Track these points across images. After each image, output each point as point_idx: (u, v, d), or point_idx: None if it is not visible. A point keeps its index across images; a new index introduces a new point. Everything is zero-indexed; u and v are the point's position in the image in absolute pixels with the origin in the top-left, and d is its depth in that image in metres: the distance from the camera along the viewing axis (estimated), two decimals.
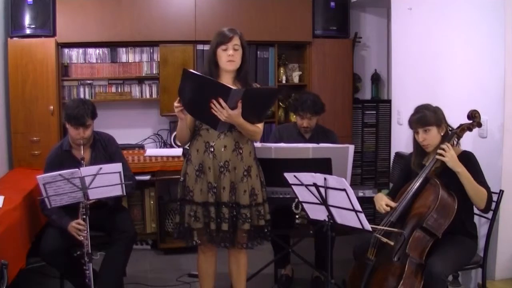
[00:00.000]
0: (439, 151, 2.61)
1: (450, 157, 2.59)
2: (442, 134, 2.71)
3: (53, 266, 3.08)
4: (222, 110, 2.49)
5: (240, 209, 2.71)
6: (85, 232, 2.73)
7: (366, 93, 5.13)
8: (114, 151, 3.20)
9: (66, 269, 3.03)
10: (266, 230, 2.81)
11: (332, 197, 2.35)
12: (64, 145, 3.12)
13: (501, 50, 2.80)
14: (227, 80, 2.74)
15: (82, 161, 2.91)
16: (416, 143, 2.80)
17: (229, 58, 2.65)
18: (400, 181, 2.94)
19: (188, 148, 2.83)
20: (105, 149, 3.17)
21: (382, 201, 2.77)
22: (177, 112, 2.62)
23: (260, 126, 2.74)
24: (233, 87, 2.46)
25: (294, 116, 3.60)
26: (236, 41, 2.67)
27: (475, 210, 2.81)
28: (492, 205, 2.65)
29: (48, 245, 2.89)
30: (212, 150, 2.69)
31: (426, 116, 2.70)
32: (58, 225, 2.92)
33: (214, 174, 2.69)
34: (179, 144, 2.89)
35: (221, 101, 2.47)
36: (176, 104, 2.59)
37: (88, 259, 2.69)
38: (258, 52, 4.55)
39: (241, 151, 2.72)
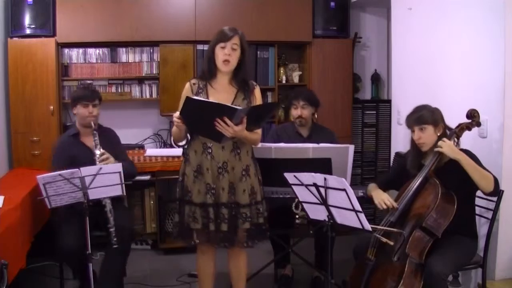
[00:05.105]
0: (438, 144, 2.62)
1: (447, 147, 2.59)
2: (439, 134, 2.71)
3: (70, 265, 3.07)
4: (228, 128, 2.50)
5: (240, 208, 2.71)
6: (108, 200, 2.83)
7: (366, 93, 5.13)
8: (116, 141, 3.36)
9: (81, 268, 3.01)
10: (264, 227, 2.81)
11: (332, 197, 2.35)
12: (71, 131, 3.25)
13: (501, 50, 2.80)
14: (223, 80, 2.75)
15: (95, 131, 3.03)
16: (413, 144, 2.81)
17: (225, 57, 2.65)
18: (393, 175, 2.96)
19: (186, 148, 2.83)
20: (107, 139, 3.25)
21: (384, 196, 2.78)
22: (177, 124, 2.60)
23: (259, 131, 2.78)
24: (239, 107, 2.50)
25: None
26: (235, 40, 2.67)
27: (475, 210, 2.82)
28: (499, 188, 2.62)
29: (69, 242, 2.86)
30: (210, 151, 2.69)
31: (423, 115, 2.71)
32: None
33: (213, 175, 2.69)
34: (179, 144, 2.88)
35: (226, 119, 2.49)
36: (176, 119, 2.57)
37: (87, 260, 2.69)
38: (258, 52, 4.55)
39: (239, 151, 2.73)
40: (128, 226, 3.13)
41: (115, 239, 2.83)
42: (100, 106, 3.24)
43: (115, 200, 3.00)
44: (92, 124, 3.08)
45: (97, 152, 2.97)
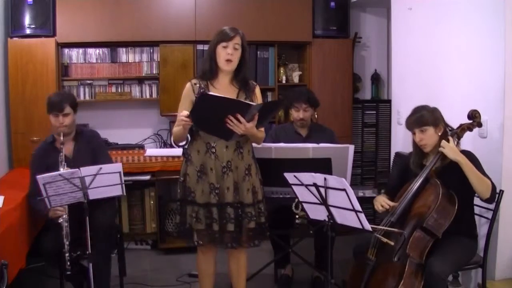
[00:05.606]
0: (442, 144, 2.61)
1: (449, 148, 2.59)
2: (439, 134, 2.71)
3: (55, 266, 3.06)
4: (239, 125, 2.51)
5: (245, 208, 2.72)
6: (65, 215, 2.78)
7: (366, 93, 5.13)
8: (97, 146, 3.25)
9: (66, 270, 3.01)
10: (264, 226, 2.81)
11: (332, 197, 2.35)
12: (48, 138, 3.20)
13: (501, 50, 2.80)
14: (224, 79, 2.76)
15: (62, 146, 2.95)
16: (415, 145, 2.80)
17: (228, 56, 2.66)
18: (396, 179, 2.96)
19: (187, 148, 2.83)
20: (88, 143, 3.20)
21: (380, 199, 2.80)
22: (184, 124, 2.58)
23: (263, 129, 2.79)
24: (253, 103, 2.51)
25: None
26: (237, 40, 2.67)
27: (475, 210, 2.82)
28: (496, 195, 2.63)
29: (49, 245, 2.88)
30: (214, 151, 2.69)
31: (422, 117, 2.70)
32: (38, 209, 2.90)
33: (217, 175, 2.69)
34: (179, 144, 2.88)
35: (239, 116, 2.50)
36: (184, 118, 2.55)
37: (88, 260, 2.69)
38: (258, 52, 4.55)
39: (241, 151, 2.73)
40: (106, 223, 3.05)
41: (68, 261, 2.74)
42: (75, 112, 3.11)
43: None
44: (61, 137, 2.99)
45: (61, 169, 2.85)
